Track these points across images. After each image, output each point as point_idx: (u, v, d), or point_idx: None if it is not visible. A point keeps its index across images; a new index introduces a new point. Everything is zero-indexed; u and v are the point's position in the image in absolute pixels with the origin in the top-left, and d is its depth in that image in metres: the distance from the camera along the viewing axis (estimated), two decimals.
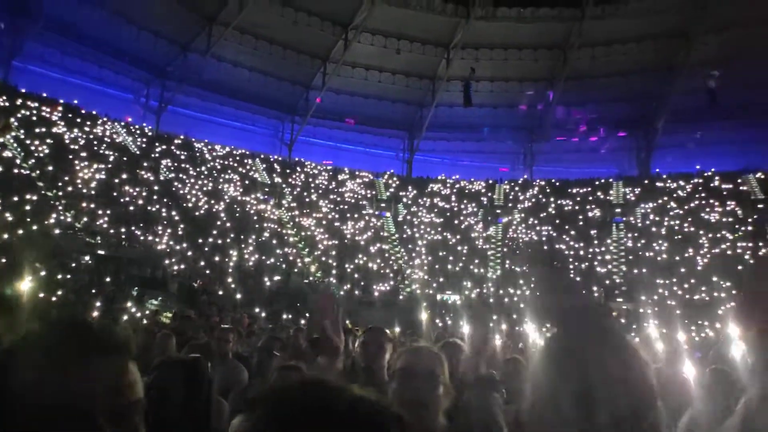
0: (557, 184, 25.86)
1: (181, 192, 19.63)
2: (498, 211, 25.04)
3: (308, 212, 22.35)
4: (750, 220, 21.69)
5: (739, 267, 19.45)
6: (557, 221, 23.48)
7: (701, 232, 21.30)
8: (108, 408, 0.88)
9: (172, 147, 21.77)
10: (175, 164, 20.65)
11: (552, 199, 24.68)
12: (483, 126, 27.29)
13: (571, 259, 21.63)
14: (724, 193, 23.10)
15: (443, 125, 27.42)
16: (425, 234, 23.17)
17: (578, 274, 20.89)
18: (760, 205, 22.24)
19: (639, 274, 20.40)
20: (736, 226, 21.41)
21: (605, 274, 20.90)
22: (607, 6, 23.83)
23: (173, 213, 18.07)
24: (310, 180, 24.65)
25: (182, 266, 15.81)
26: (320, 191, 24.14)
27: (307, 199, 23.15)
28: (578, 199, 24.62)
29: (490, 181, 26.71)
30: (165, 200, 18.49)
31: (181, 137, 22.80)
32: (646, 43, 24.27)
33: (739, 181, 23.56)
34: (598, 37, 24.46)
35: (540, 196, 25.16)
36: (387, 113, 27.07)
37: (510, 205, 25.28)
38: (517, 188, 26.17)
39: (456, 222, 24.14)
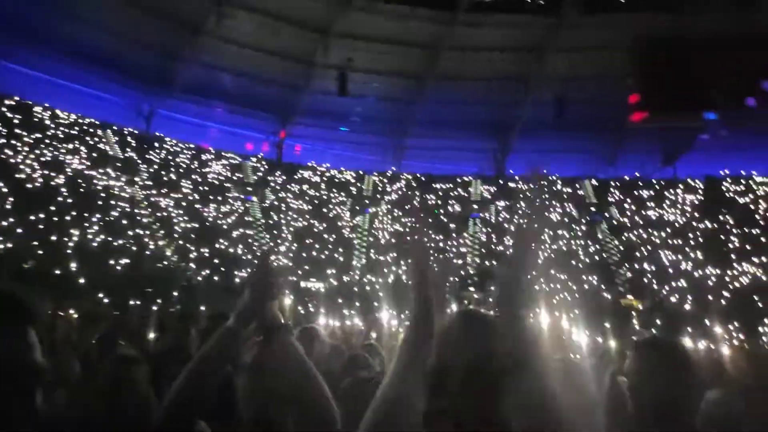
0: (423, 178, 26.98)
1: (12, 161, 17.21)
2: (366, 201, 25.51)
3: (166, 192, 20.87)
4: (583, 221, 24.55)
5: (572, 261, 22.00)
6: (421, 214, 24.50)
7: (544, 229, 23.56)
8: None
9: (3, 108, 18.93)
10: (5, 130, 18.01)
11: (417, 193, 25.69)
12: (355, 116, 27.58)
13: (431, 251, 22.76)
14: (565, 196, 25.77)
15: (317, 112, 27.17)
16: (292, 221, 22.89)
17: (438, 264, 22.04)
18: (592, 208, 25.25)
19: (490, 266, 22.09)
20: (572, 226, 24.06)
21: (460, 265, 22.29)
22: (478, 15, 25.25)
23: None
24: (170, 158, 23.01)
25: (9, 245, 13.90)
26: (181, 170, 22.65)
27: (166, 178, 21.59)
28: (441, 194, 25.91)
29: (360, 172, 27.09)
30: None
31: (15, 99, 19.82)
32: (507, 53, 26.18)
33: (577, 186, 26.43)
34: (467, 42, 25.84)
35: (405, 189, 26.08)
36: (260, 95, 26.14)
37: (378, 196, 25.89)
38: (385, 180, 26.84)
39: (324, 210, 24.16)
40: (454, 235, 23.71)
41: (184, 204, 20.88)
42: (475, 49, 26.05)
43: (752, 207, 23.28)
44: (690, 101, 23.54)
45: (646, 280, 20.83)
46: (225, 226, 20.99)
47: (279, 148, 27.69)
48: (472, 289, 21.07)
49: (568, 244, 22.94)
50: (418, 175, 27.33)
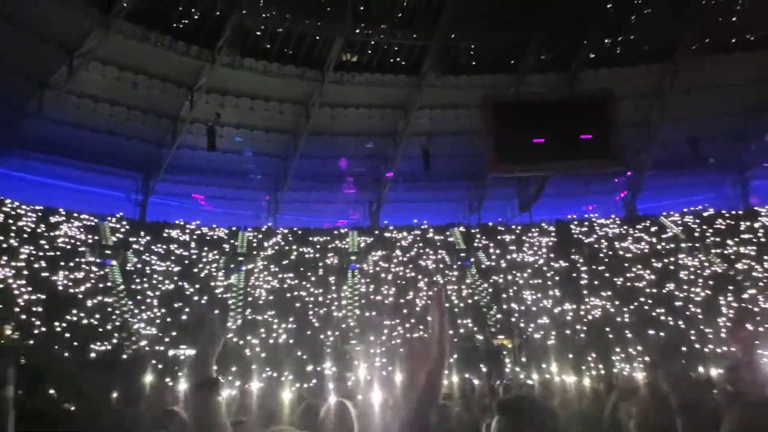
0: (299, 232, 26.75)
1: None
2: (240, 258, 24.62)
3: (6, 261, 18.38)
4: (455, 266, 25.79)
5: (446, 305, 22.81)
6: (300, 268, 24.17)
7: (419, 276, 24.37)
8: None
9: None
10: None
11: (294, 247, 25.35)
12: (227, 171, 26.89)
13: (311, 305, 22.38)
14: (438, 243, 26.98)
15: (185, 168, 26.03)
16: (159, 284, 21.29)
17: (317, 319, 21.70)
18: (462, 254, 26.65)
19: (370, 317, 22.19)
20: (446, 272, 25.14)
21: (341, 318, 22.13)
22: (344, 73, 26.28)
23: None
24: (10, 222, 20.44)
25: None
26: (24, 235, 20.17)
27: (5, 245, 19.07)
28: (318, 246, 25.82)
29: (233, 228, 26.21)
30: None
31: None
32: (375, 110, 27.43)
33: (447, 233, 27.85)
34: (336, 99, 26.69)
35: (282, 244, 25.63)
36: (119, 151, 24.44)
37: (255, 253, 25.13)
38: (260, 235, 26.20)
39: (195, 270, 22.85)
40: (333, 288, 23.58)
41: (26, 273, 18.50)
42: (344, 105, 26.97)
43: (596, 246, 26.10)
44: (537, 153, 26.21)
45: (513, 319, 22.19)
46: (80, 295, 18.91)
47: (143, 207, 25.94)
48: (354, 342, 20.95)
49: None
50: (295, 229, 27.07)
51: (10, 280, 17.68)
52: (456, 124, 27.87)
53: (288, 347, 19.96)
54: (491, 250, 26.48)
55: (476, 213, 29.69)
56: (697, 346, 19.27)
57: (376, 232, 27.64)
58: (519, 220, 29.20)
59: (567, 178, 28.67)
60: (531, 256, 25.88)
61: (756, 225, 25.40)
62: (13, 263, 18.45)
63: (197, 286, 21.92)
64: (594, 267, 24.70)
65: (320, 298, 22.83)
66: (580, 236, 26.90)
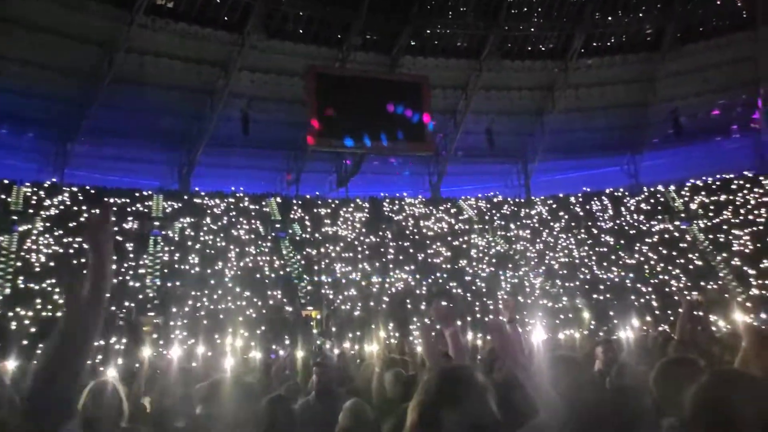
0: (92, 191, 23.69)
1: None
2: (14, 217, 20.99)
3: None
4: (269, 237, 25.36)
5: (257, 276, 22.45)
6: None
7: (231, 246, 23.42)
8: None
9: None
10: None
11: (84, 208, 22.36)
12: (3, 113, 22.63)
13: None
14: (252, 212, 26.19)
15: None
16: None
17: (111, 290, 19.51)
18: (277, 225, 26.31)
19: (173, 287, 20.72)
20: (259, 242, 24.58)
21: (139, 288, 20.29)
22: (157, 18, 23.71)
23: None
24: None
25: None
26: None
27: None
28: (115, 209, 23.14)
29: (6, 181, 22.21)
30: None
31: None
32: (191, 64, 25.34)
33: (263, 203, 27.20)
34: (147, 46, 24.04)
35: (70, 204, 22.46)
36: None
37: (32, 211, 21.60)
38: (42, 192, 22.60)
39: None
40: (131, 255, 21.42)
41: None
42: (156, 54, 24.42)
43: (404, 223, 27.89)
44: (357, 130, 26.95)
45: (323, 291, 22.68)
46: None
47: None
48: (152, 313, 19.39)
49: (254, 260, 23.29)
50: (87, 188, 23.87)
51: None
52: (278, 90, 27.20)
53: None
54: (307, 223, 26.60)
55: (294, 184, 29.50)
56: (478, 316, 21.83)
57: (185, 197, 25.80)
58: (336, 195, 29.80)
59: (383, 157, 30.09)
60: (344, 230, 26.63)
61: (532, 212, 29.58)
62: None
63: None
64: (400, 243, 26.38)
65: (114, 266, 20.53)
66: (391, 214, 28.45)
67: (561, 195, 30.78)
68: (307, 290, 22.93)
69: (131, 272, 20.59)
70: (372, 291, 23.01)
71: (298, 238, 25.85)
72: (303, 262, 24.36)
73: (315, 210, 27.60)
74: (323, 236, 25.89)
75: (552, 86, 30.53)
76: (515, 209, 29.97)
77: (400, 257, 25.45)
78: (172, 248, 22.66)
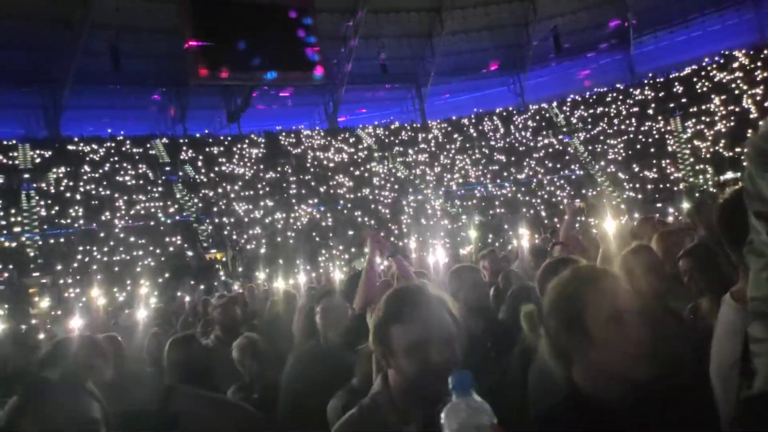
0: None
1: None
2: None
3: None
4: (159, 181, 23.76)
5: (152, 223, 21.17)
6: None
7: (117, 195, 21.70)
8: None
9: None
10: None
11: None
12: None
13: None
14: (136, 157, 24.25)
15: None
16: None
17: None
18: (167, 168, 24.65)
19: (56, 244, 19.02)
20: (149, 188, 22.98)
21: (17, 247, 18.39)
22: None
23: None
24: None
25: None
26: None
27: None
28: None
29: None
30: None
31: None
32: None
33: (148, 145, 25.23)
34: None
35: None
36: None
37: None
38: None
39: None
40: (1, 213, 19.18)
41: None
42: None
43: (303, 156, 27.30)
44: (243, 61, 25.36)
45: (225, 232, 21.94)
46: None
47: None
48: (36, 273, 17.76)
49: (146, 206, 21.83)
50: None
51: None
52: (150, 19, 24.57)
53: None
54: (199, 164, 25.18)
55: (180, 123, 27.55)
56: (389, 240, 22.36)
57: (57, 145, 23.23)
58: (228, 132, 28.33)
59: (274, 88, 28.78)
60: (241, 167, 25.59)
61: (429, 136, 30.16)
62: None
63: None
64: (301, 176, 25.92)
65: None
66: (289, 147, 27.68)
67: (454, 117, 31.55)
68: (208, 233, 22.07)
69: (4, 231, 18.55)
70: (277, 228, 22.65)
71: (191, 179, 24.48)
72: (200, 204, 23.25)
73: (207, 149, 26.12)
74: (219, 176, 24.73)
75: (440, 7, 30.43)
76: (412, 134, 30.36)
77: (303, 191, 25.10)
78: (49, 201, 20.56)
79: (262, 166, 25.99)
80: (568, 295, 1.26)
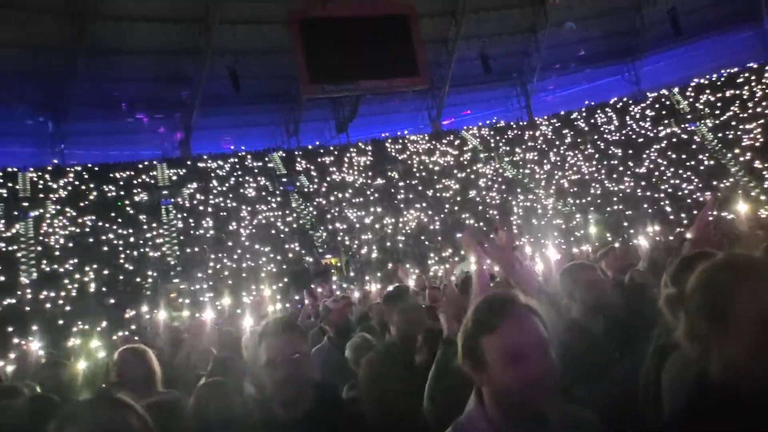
0: (96, 169, 23.59)
1: None
2: (25, 204, 21.05)
3: None
4: (277, 192, 25.37)
5: (272, 231, 22.64)
6: (102, 209, 21.53)
7: (242, 206, 23.50)
8: None
9: None
10: None
11: (92, 186, 22.36)
12: None
13: (121, 248, 20.30)
14: (256, 170, 26.09)
15: None
16: None
17: (130, 262, 19.85)
18: (284, 179, 26.26)
19: (192, 253, 20.99)
20: (268, 198, 24.63)
21: (159, 257, 20.57)
22: None
23: None
24: None
25: None
26: None
27: None
28: (122, 183, 23.16)
29: (10, 170, 22.11)
30: None
31: None
32: (169, 24, 24.41)
33: (266, 159, 27.04)
34: (119, 11, 23.13)
35: (77, 183, 22.42)
36: None
37: (42, 196, 21.63)
38: (47, 176, 22.53)
39: None
40: (145, 227, 21.59)
41: None
42: (132, 19, 23.54)
43: (409, 162, 27.72)
44: (348, 72, 26.37)
45: (339, 238, 22.90)
46: None
47: None
48: (176, 280, 19.76)
49: (267, 216, 23.40)
50: (89, 165, 23.75)
51: None
52: (263, 41, 26.29)
53: (99, 295, 18.03)
54: (312, 173, 26.51)
55: (294, 136, 29.20)
56: None
57: (189, 162, 25.66)
58: (337, 142, 29.53)
59: (379, 96, 29.53)
60: (350, 175, 26.55)
61: (537, 134, 29.26)
62: None
63: None
64: (408, 181, 26.34)
65: (131, 239, 20.78)
66: (395, 153, 28.25)
67: (563, 112, 30.33)
68: (323, 239, 23.15)
69: (150, 243, 20.83)
70: (386, 232, 23.21)
71: (306, 189, 25.85)
72: (315, 212, 24.48)
73: (318, 159, 27.43)
74: (331, 184, 25.86)
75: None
76: (519, 133, 29.64)
77: (410, 195, 25.49)
78: (185, 214, 22.78)
79: (370, 173, 26.78)
80: (718, 284, 1.16)
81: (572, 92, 31.41)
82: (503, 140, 29.17)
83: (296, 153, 27.81)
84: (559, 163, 26.86)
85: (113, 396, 1.32)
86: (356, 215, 24.06)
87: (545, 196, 24.81)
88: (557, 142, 28.30)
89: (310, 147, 28.58)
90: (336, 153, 28.04)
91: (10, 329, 14.13)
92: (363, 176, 26.61)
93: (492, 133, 29.83)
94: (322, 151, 28.32)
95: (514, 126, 30.39)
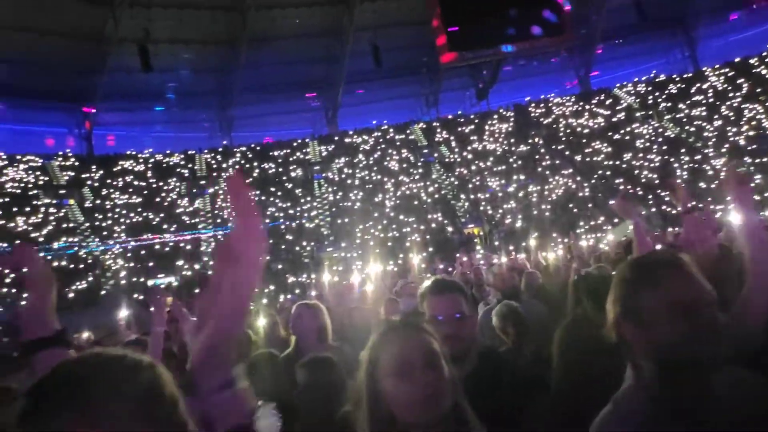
0: (258, 148, 26.03)
1: None
2: (202, 182, 24.01)
3: None
4: (419, 164, 25.84)
5: (415, 202, 23.21)
6: (264, 185, 23.80)
7: (386, 178, 24.38)
8: None
9: None
10: None
11: (255, 164, 24.77)
12: (170, 93, 25.50)
13: (281, 219, 22.32)
14: (398, 143, 26.77)
15: (123, 93, 24.43)
16: (122, 218, 20.71)
17: (290, 232, 21.75)
18: (425, 150, 26.63)
19: (342, 224, 22.39)
20: (411, 170, 25.22)
21: (314, 228, 22.26)
22: None
23: None
24: None
25: None
26: None
27: None
28: (280, 161, 25.30)
29: (189, 152, 25.26)
30: None
31: None
32: (315, 8, 25.73)
33: (408, 131, 27.59)
34: (271, 1, 24.87)
35: (243, 162, 24.98)
36: (47, 84, 22.58)
37: (214, 174, 24.48)
38: (218, 156, 25.40)
39: (157, 200, 22.21)
40: (302, 200, 23.45)
41: None
42: (282, 6, 25.21)
43: (554, 126, 26.39)
44: (488, 38, 25.57)
45: (481, 208, 22.76)
46: (40, 239, 18.26)
47: (88, 141, 24.58)
48: (330, 249, 21.24)
49: (410, 187, 24.02)
50: (253, 145, 26.29)
51: None
52: (402, 14, 26.57)
53: (265, 262, 20.09)
54: (453, 143, 26.50)
55: (434, 107, 29.33)
56: (653, 210, 20.28)
57: (336, 138, 27.14)
58: (477, 110, 29.08)
59: (521, 59, 28.34)
60: (492, 143, 26.06)
61: (705, 86, 26.00)
62: None
63: (162, 215, 21.44)
64: (554, 147, 25.15)
65: (290, 211, 22.74)
66: (539, 118, 27.07)
67: (738, 59, 26.48)
68: (465, 209, 23.20)
69: (305, 215, 22.61)
70: (530, 200, 22.53)
71: (447, 159, 25.97)
72: (456, 182, 24.54)
73: (458, 129, 27.29)
74: (472, 153, 25.66)
75: None
76: (683, 86, 26.58)
77: (556, 161, 24.35)
78: (335, 188, 24.27)
79: (512, 140, 26.04)
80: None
81: (749, 35, 27.22)
82: (664, 96, 26.39)
83: (435, 124, 27.94)
84: (732, 118, 23.67)
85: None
86: (498, 184, 23.66)
87: (715, 155, 22.11)
88: (730, 94, 24.88)
89: (449, 117, 28.52)
90: (476, 121, 27.64)
91: (196, 291, 16.43)
92: (505, 143, 25.96)
93: (650, 88, 27.13)
94: (462, 120, 28.11)
95: (677, 79, 27.29)
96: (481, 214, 22.55)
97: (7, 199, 19.21)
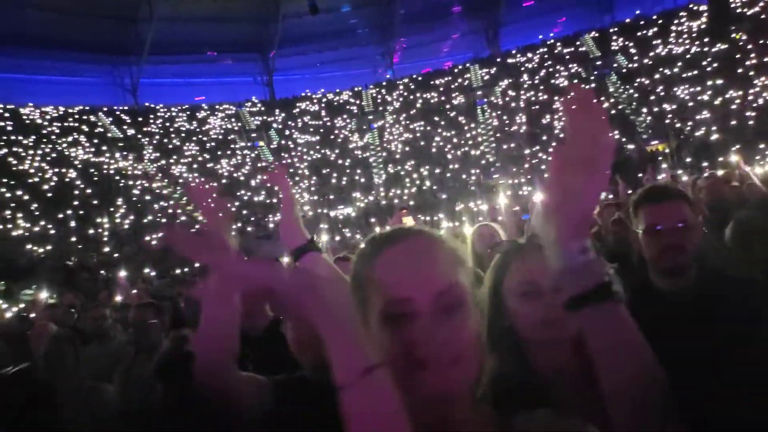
0: (420, 78, 26.21)
1: (20, 167, 17.19)
2: (370, 117, 25.10)
3: (175, 159, 20.78)
4: (592, 78, 23.77)
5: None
6: (428, 114, 24.10)
7: (554, 98, 22.97)
8: None
9: None
10: (4, 138, 17.88)
11: (418, 95, 25.06)
12: (335, 32, 26.62)
13: (448, 147, 22.55)
14: (567, 57, 24.82)
15: (297, 39, 26.17)
16: (304, 155, 22.75)
17: (456, 161, 21.94)
18: (598, 62, 24.35)
19: (508, 149, 21.87)
20: (582, 85, 23.25)
21: (480, 155, 22.12)
22: None
23: (18, 192, 15.87)
24: (168, 125, 22.69)
25: (48, 247, 14.19)
26: (182, 134, 22.41)
27: (170, 146, 21.43)
28: (441, 89, 25.24)
29: (356, 89, 26.43)
30: (3, 180, 16.10)
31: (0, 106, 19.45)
32: None
33: (578, 43, 25.38)
34: None
35: (406, 94, 25.43)
36: (232, 36, 25.13)
37: (380, 108, 25.40)
38: (383, 90, 26.17)
39: (332, 137, 23.88)
40: (465, 127, 23.32)
41: (195, 166, 20.84)
42: None
43: (763, 17, 22.07)
44: None
45: (667, 121, 20.40)
46: (242, 178, 21.00)
47: (270, 87, 27.06)
48: (496, 176, 21.04)
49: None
50: (414, 76, 26.52)
51: (186, 174, 20.06)
52: None
53: (432, 192, 20.70)
54: (631, 50, 23.78)
55: (608, 13, 26.40)
56: None
57: (498, 60, 26.07)
58: (660, 8, 25.49)
59: None
60: (680, 46, 22.83)
61: None
62: (182, 160, 20.81)
63: (337, 151, 23.05)
64: (762, 42, 21.16)
65: (454, 140, 22.82)
66: (741, 9, 22.85)
67: None
68: (646, 124, 21.02)
69: (470, 142, 22.52)
70: (730, 109, 19.53)
71: (624, 70, 23.48)
72: (636, 94, 22.19)
73: (638, 33, 24.28)
74: (655, 60, 22.80)
75: None
76: None
77: (764, 60, 20.53)
78: (499, 112, 23.61)
79: (706, 39, 22.49)
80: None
81: None
82: None
83: (611, 30, 25.20)
84: None
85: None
86: (688, 92, 20.86)
87: None
88: None
89: (627, 20, 25.48)
90: (660, 22, 24.30)
91: (372, 220, 17.67)
92: (697, 44, 22.55)
93: None
94: (642, 23, 24.93)
95: None
96: (666, 127, 20.23)
97: (212, 144, 22.27)
